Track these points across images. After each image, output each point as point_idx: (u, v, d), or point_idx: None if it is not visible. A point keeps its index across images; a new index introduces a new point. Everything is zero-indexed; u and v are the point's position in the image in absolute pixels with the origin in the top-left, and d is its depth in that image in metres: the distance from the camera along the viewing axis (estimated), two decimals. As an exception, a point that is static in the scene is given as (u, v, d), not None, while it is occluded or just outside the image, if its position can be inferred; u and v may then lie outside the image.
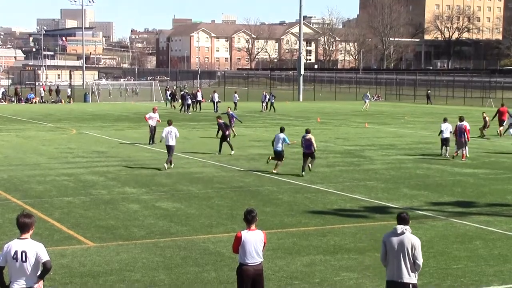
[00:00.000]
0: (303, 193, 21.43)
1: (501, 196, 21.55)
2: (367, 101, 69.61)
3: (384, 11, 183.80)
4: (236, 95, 65.10)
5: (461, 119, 30.28)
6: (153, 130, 34.25)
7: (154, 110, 34.92)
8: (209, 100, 67.98)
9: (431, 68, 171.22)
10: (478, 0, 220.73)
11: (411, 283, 9.75)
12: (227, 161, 28.27)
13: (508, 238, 15.99)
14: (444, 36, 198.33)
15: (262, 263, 10.16)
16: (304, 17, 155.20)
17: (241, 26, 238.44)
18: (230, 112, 37.54)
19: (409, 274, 9.73)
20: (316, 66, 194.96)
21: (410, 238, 9.76)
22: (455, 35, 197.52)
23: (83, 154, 30.49)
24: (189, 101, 60.70)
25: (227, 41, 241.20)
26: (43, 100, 77.20)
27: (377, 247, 15.02)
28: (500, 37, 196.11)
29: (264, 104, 63.29)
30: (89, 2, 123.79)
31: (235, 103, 63.34)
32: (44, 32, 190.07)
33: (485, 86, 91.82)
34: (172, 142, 26.35)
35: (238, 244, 10.04)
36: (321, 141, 36.52)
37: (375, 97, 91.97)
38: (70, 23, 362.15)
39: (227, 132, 30.66)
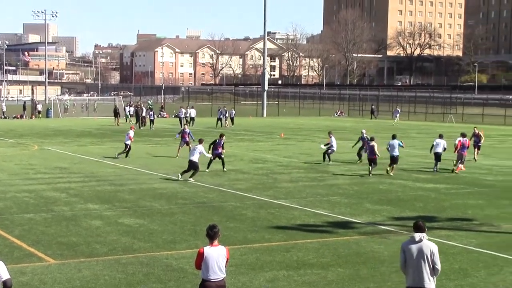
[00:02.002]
0: (267, 209, 21.46)
1: (462, 210, 21.82)
2: (397, 115, 73.27)
3: (347, 27, 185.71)
4: (193, 110, 64.67)
5: (463, 135, 32.11)
6: (129, 146, 34.87)
7: (132, 128, 36.77)
8: (173, 116, 67.87)
9: (399, 84, 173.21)
10: (439, 17, 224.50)
11: None
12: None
13: (468, 252, 16.19)
14: (406, 52, 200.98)
15: (225, 279, 10.16)
16: (268, 33, 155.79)
17: (205, 41, 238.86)
18: (187, 130, 36.86)
19: (429, 279, 10.16)
20: (280, 82, 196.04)
21: (428, 244, 10.22)
22: (417, 51, 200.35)
23: (45, 170, 30.17)
24: (153, 117, 60.52)
25: (191, 56, 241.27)
26: (5, 115, 76.22)
27: (340, 262, 15.12)
28: (460, 53, 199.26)
29: (227, 120, 63.46)
30: (52, 16, 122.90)
31: (193, 119, 63.11)
32: (6, 46, 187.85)
33: (446, 102, 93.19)
34: (195, 158, 27.20)
35: (200, 260, 10.03)
36: (284, 157, 36.64)
37: (338, 113, 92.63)
38: (33, 38, 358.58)
39: (219, 150, 30.41)
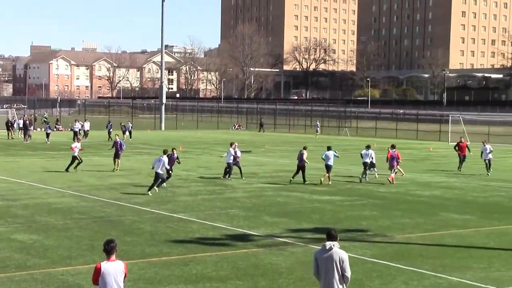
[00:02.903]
0: (165, 223, 21.34)
1: (357, 221, 22.38)
2: (318, 129, 77.68)
3: (244, 42, 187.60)
4: (86, 123, 63.76)
5: (393, 146, 33.53)
6: (79, 158, 34.41)
7: (78, 140, 36.42)
8: (69, 129, 66.43)
9: (296, 98, 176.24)
10: (334, 33, 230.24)
11: None
12: (87, 191, 27.71)
13: (362, 263, 16.61)
14: (302, 67, 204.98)
15: (123, 295, 10.04)
16: (166, 46, 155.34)
17: (102, 54, 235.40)
18: (118, 140, 36.40)
19: (338, 286, 10.38)
20: (178, 95, 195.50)
21: (338, 252, 10.48)
22: (313, 66, 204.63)
23: None
24: (49, 130, 59.06)
25: (87, 69, 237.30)
26: None
27: (239, 275, 15.22)
28: (354, 68, 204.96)
29: (126, 134, 62.68)
30: None
31: (86, 132, 62.10)
32: None
33: (341, 115, 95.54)
34: (159, 170, 27.30)
35: (97, 276, 9.88)
36: (183, 170, 36.52)
37: (236, 126, 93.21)
38: None
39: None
